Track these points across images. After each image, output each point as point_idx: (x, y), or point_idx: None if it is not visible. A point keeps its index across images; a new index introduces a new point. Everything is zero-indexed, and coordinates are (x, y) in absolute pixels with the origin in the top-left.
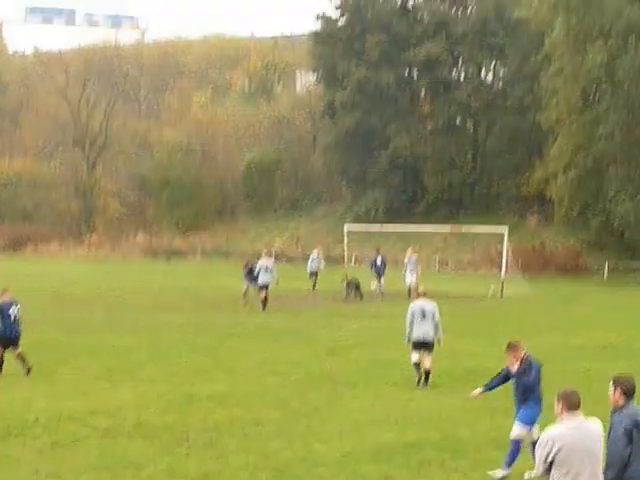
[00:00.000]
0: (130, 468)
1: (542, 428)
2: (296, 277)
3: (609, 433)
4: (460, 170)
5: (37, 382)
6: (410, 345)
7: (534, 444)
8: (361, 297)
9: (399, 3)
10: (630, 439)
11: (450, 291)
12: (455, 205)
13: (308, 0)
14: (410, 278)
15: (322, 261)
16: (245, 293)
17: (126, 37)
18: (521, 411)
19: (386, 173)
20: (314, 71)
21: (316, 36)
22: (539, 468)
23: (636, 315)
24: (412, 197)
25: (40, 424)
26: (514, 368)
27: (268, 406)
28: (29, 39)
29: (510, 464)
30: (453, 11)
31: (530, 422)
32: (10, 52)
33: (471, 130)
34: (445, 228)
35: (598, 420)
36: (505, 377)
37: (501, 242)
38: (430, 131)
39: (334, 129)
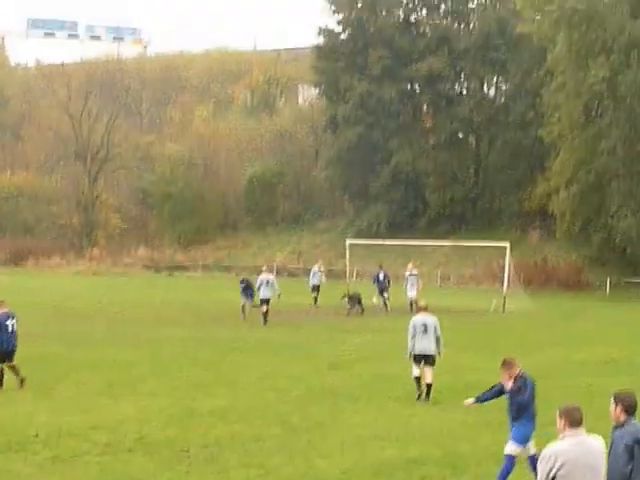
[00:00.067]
0: None
1: (544, 444)
2: (298, 292)
3: (610, 450)
4: (462, 185)
5: (38, 397)
6: (411, 359)
7: (531, 459)
8: (362, 311)
9: (402, 18)
10: (631, 456)
11: (452, 306)
12: (457, 220)
13: (311, 14)
14: (411, 292)
15: (323, 276)
16: (243, 309)
17: (128, 50)
18: (514, 430)
19: (388, 188)
20: (316, 85)
21: (318, 50)
22: None
23: (638, 331)
24: (414, 212)
25: (41, 439)
26: (508, 385)
27: (269, 421)
28: (31, 52)
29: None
30: (455, 26)
31: (524, 441)
32: (12, 65)
33: (473, 145)
34: (447, 243)
35: (600, 437)
36: (499, 392)
37: (503, 257)
38: (432, 146)
39: (336, 143)
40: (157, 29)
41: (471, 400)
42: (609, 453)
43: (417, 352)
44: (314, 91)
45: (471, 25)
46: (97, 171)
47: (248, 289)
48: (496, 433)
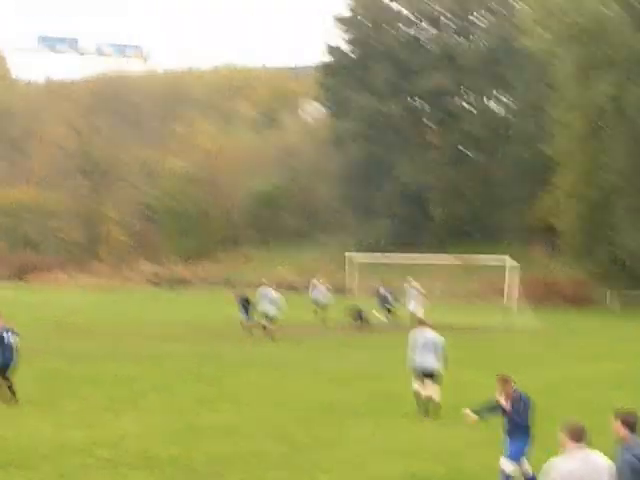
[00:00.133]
0: None
1: (546, 459)
2: (300, 306)
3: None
4: (466, 200)
5: (40, 412)
6: (413, 373)
7: (526, 477)
8: (366, 323)
9: (406, 34)
10: (634, 473)
11: (456, 322)
12: (461, 235)
13: (316, 31)
14: (412, 307)
15: (328, 292)
16: (243, 324)
17: (134, 66)
18: (510, 445)
19: (392, 203)
20: (321, 101)
21: (324, 66)
22: None
23: None
24: (418, 227)
25: (43, 455)
26: (503, 402)
27: (273, 437)
28: (37, 68)
29: None
30: (460, 42)
31: (518, 457)
32: (17, 80)
33: (477, 160)
34: (450, 258)
35: (601, 453)
36: (498, 409)
37: (508, 273)
38: (436, 161)
39: (340, 159)
40: (163, 46)
41: (471, 414)
42: None
43: (417, 366)
44: (319, 107)
45: (476, 41)
46: (101, 186)
47: (247, 304)
48: (500, 450)
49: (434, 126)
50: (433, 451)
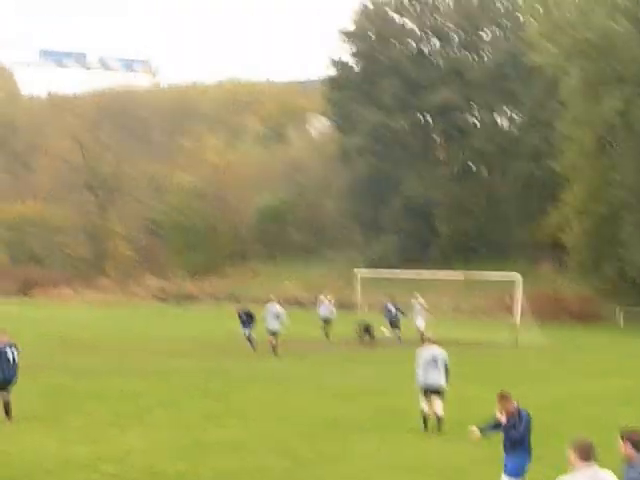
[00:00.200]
0: None
1: (554, 477)
2: (306, 322)
3: None
4: (473, 216)
5: (45, 427)
6: (420, 391)
7: None
8: (372, 338)
9: (414, 49)
10: None
11: (462, 338)
12: (468, 251)
13: (323, 46)
14: (419, 323)
15: (333, 308)
16: (249, 340)
17: (139, 81)
18: (509, 462)
19: (399, 218)
20: (328, 116)
21: (330, 81)
22: None
23: None
24: (425, 242)
25: (48, 470)
26: (502, 418)
27: (279, 453)
28: (42, 82)
29: None
30: (468, 57)
31: (518, 474)
32: (23, 95)
33: (485, 176)
34: (457, 274)
35: (610, 472)
36: (499, 426)
37: (514, 288)
38: (444, 176)
39: (347, 174)
40: (170, 61)
41: (476, 431)
42: None
43: (425, 385)
44: (326, 122)
45: (484, 56)
46: (107, 200)
47: (249, 319)
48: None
49: (441, 141)
50: (438, 467)
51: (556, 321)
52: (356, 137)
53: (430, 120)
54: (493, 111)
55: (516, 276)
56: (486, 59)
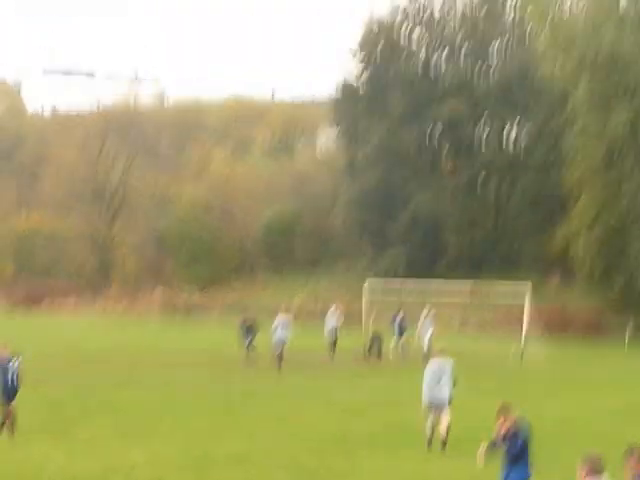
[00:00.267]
0: None
1: None
2: (315, 334)
3: None
4: (482, 228)
5: (52, 440)
6: (426, 408)
7: None
8: (379, 354)
9: (421, 61)
10: None
11: (470, 350)
12: (476, 263)
13: (331, 59)
14: (427, 336)
15: (341, 316)
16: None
17: (146, 97)
18: (511, 475)
19: (407, 230)
20: (335, 128)
21: (338, 94)
22: None
23: None
24: (433, 255)
25: None
26: (501, 432)
27: (286, 467)
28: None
29: None
30: (476, 69)
31: None
32: (29, 110)
33: (493, 188)
34: (466, 286)
35: None
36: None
37: (523, 302)
38: (452, 189)
39: (355, 186)
40: (175, 77)
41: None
42: None
43: (430, 401)
44: (333, 134)
45: (492, 68)
46: (114, 212)
47: (251, 330)
48: None
49: (449, 154)
50: None
51: (565, 334)
52: (364, 150)
53: (438, 133)
54: (502, 125)
55: (526, 285)
56: (494, 72)
